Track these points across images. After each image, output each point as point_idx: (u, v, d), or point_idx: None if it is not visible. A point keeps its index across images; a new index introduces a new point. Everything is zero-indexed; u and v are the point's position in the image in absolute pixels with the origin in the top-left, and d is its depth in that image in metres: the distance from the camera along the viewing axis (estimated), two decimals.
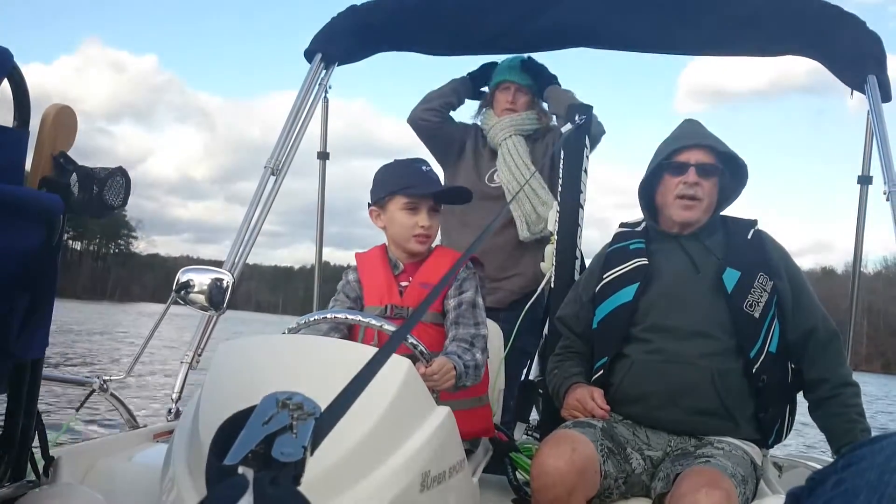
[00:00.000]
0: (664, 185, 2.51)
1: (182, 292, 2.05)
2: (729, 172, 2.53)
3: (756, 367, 2.27)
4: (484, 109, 3.76)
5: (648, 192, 2.59)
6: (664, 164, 2.50)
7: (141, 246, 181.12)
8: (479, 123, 3.74)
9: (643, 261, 2.46)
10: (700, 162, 2.45)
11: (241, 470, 0.55)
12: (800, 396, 2.44)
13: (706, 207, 2.48)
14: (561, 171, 2.95)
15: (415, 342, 1.98)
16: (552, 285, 2.94)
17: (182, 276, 2.08)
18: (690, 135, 2.53)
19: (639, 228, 2.62)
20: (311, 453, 0.61)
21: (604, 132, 3.48)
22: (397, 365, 1.57)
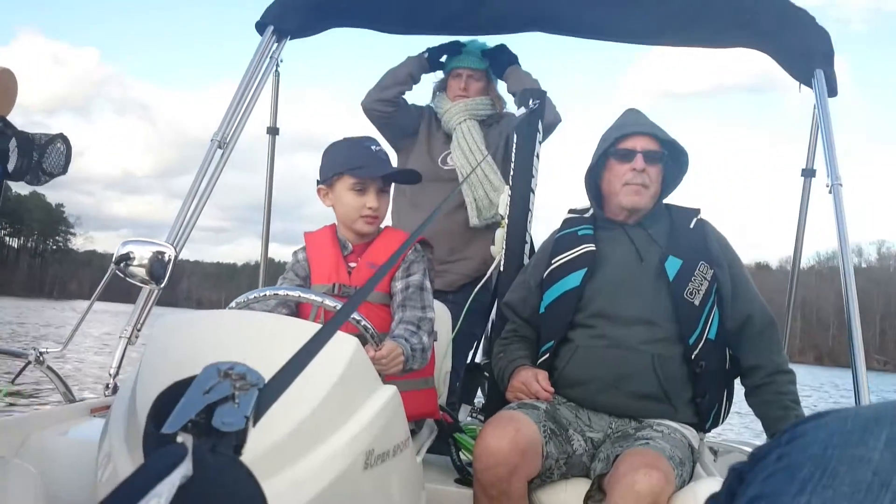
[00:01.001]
0: (611, 172, 2.53)
1: (122, 264, 1.99)
2: (671, 160, 2.57)
3: (695, 353, 2.31)
4: (438, 93, 3.76)
5: (594, 179, 2.62)
6: (610, 152, 2.52)
7: (78, 242, 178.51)
8: (433, 107, 3.74)
9: (591, 247, 2.48)
10: (646, 148, 2.48)
11: (180, 438, 0.54)
12: (738, 384, 2.50)
13: (653, 194, 2.51)
14: (513, 155, 2.96)
15: (366, 324, 1.97)
16: (501, 269, 2.95)
17: (122, 248, 2.02)
18: (634, 122, 2.56)
19: (587, 215, 2.64)
20: (254, 424, 0.60)
21: (560, 120, 3.50)
22: (344, 342, 1.56)
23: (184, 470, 0.47)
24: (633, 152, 2.48)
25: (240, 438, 0.57)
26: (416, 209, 3.49)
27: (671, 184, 2.60)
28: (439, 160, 3.59)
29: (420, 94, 3.78)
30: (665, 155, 2.52)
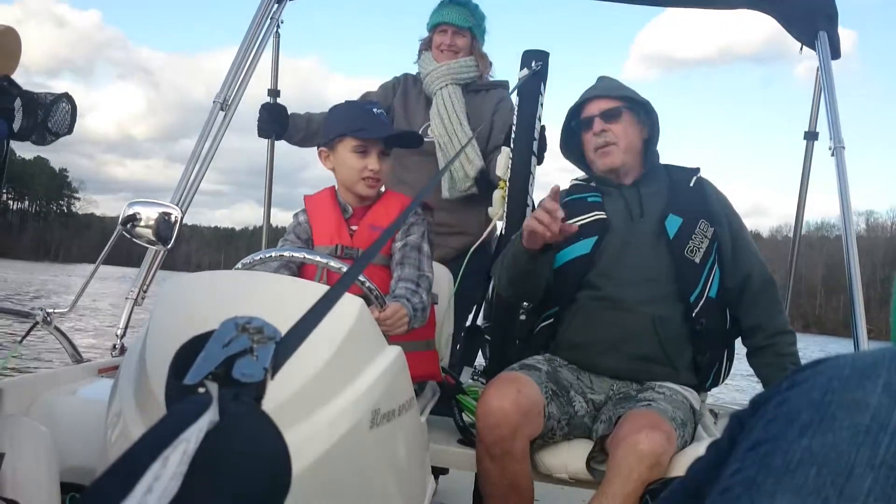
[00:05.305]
0: (584, 141, 2.58)
1: (128, 225, 1.99)
2: (644, 113, 2.58)
3: (696, 311, 2.33)
4: (423, 53, 3.60)
5: (578, 148, 2.65)
6: (573, 124, 2.59)
7: (78, 205, 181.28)
8: (418, 69, 3.60)
9: (602, 215, 2.48)
10: (602, 109, 2.51)
11: (203, 388, 0.55)
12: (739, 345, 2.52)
13: (625, 147, 2.51)
14: (515, 117, 2.94)
15: (371, 286, 1.98)
16: (503, 231, 2.95)
17: (129, 210, 2.01)
18: (591, 89, 2.61)
19: (592, 184, 2.63)
20: (272, 377, 0.61)
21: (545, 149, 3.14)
22: (350, 303, 1.56)
23: (210, 416, 0.48)
24: (591, 118, 2.52)
25: (259, 390, 0.58)
26: (402, 185, 3.41)
27: (654, 135, 2.61)
28: (419, 133, 3.48)
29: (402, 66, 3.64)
30: (626, 108, 2.53)
